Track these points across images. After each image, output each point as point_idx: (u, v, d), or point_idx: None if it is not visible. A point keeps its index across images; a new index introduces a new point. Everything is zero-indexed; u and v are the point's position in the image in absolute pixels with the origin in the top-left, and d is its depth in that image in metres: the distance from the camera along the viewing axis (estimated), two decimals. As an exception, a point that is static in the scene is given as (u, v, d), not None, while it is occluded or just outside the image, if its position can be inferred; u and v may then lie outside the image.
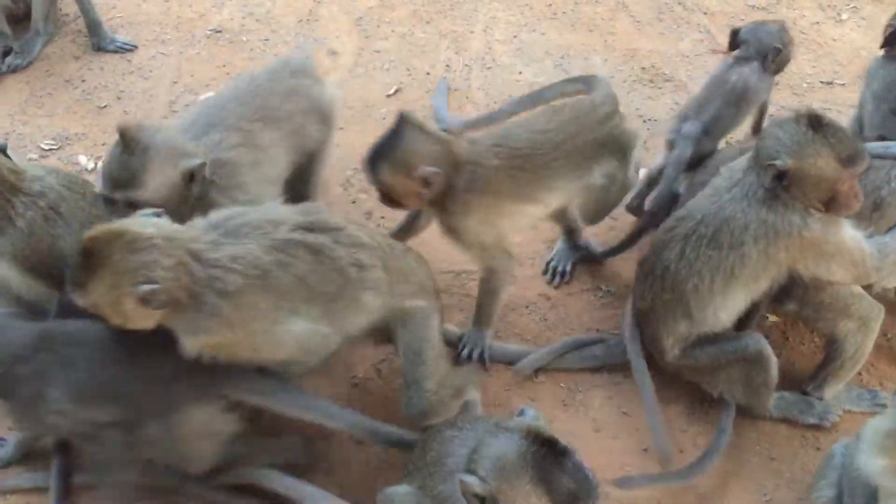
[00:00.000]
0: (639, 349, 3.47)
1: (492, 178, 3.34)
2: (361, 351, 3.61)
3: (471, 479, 2.16)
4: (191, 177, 3.07)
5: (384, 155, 3.25)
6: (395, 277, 3.03)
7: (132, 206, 2.93)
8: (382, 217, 4.18)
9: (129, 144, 2.98)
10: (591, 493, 2.16)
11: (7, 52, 4.81)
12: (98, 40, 4.96)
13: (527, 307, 3.84)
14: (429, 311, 3.12)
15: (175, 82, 4.83)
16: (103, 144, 4.38)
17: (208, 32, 5.18)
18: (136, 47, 5.01)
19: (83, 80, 4.79)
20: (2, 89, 4.72)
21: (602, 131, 3.57)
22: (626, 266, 3.95)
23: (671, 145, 3.96)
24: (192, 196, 3.11)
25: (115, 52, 4.96)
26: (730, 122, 3.98)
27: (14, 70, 4.79)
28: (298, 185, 3.71)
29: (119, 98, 4.71)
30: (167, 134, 3.15)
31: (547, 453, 2.18)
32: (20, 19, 4.96)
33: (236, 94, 3.52)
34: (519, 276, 3.95)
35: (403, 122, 3.26)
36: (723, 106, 3.94)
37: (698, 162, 3.87)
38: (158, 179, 3.01)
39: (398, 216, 4.16)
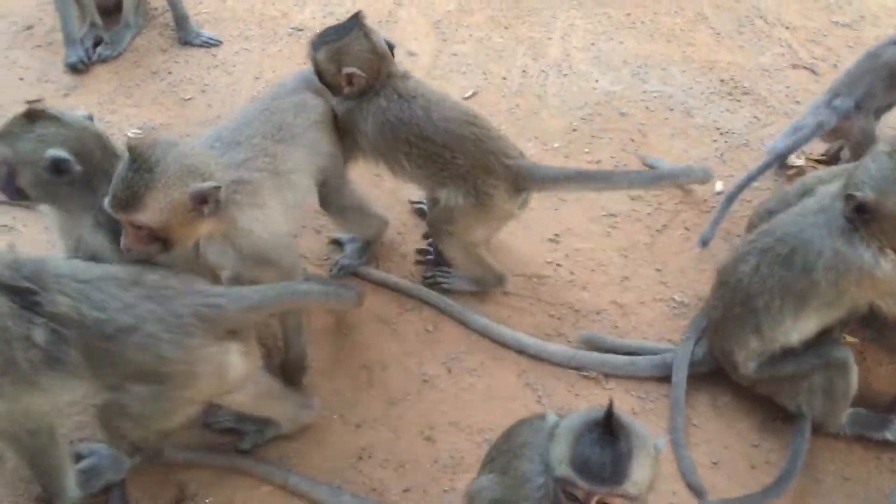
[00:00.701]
0: (685, 366, 3.45)
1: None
2: (431, 349, 3.66)
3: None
4: (202, 200, 2.80)
5: (327, 41, 3.55)
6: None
7: (139, 228, 2.79)
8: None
9: (138, 161, 2.72)
10: None
11: (98, 43, 4.96)
12: (185, 34, 5.10)
13: (598, 314, 3.83)
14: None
15: (257, 78, 4.93)
16: (187, 135, 4.48)
17: (290, 30, 5.28)
18: (220, 42, 5.13)
19: (169, 73, 4.93)
20: (92, 78, 4.86)
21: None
22: (701, 277, 3.92)
23: (817, 116, 4.06)
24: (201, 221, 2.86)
25: (201, 46, 5.09)
26: (882, 100, 3.99)
27: (104, 60, 4.94)
28: (333, 210, 3.73)
29: (203, 91, 4.83)
30: (183, 150, 2.82)
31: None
32: (111, 11, 5.11)
33: (252, 116, 3.35)
34: (590, 282, 3.95)
35: (357, 21, 3.55)
36: (875, 81, 3.95)
37: (865, 143, 3.89)
38: (162, 202, 2.73)
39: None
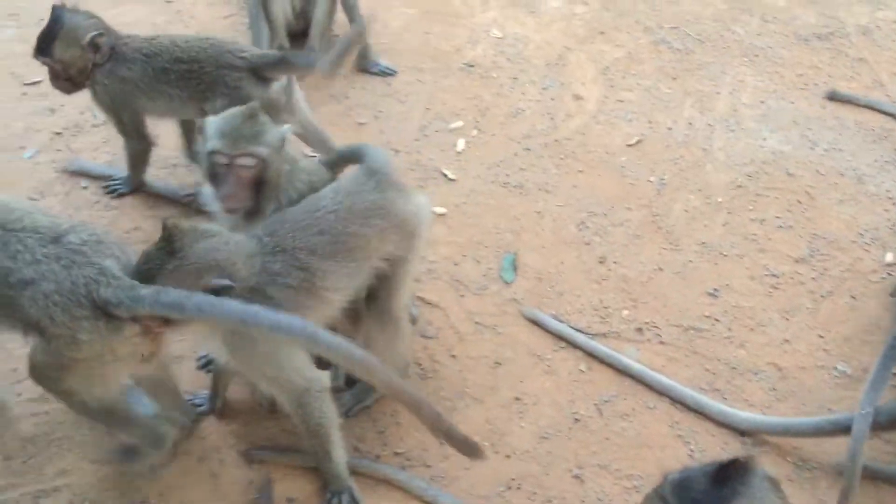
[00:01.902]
0: (865, 429, 3.31)
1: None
2: (584, 388, 3.68)
3: None
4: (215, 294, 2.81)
5: (52, 38, 3.92)
6: None
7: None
8: (616, 262, 4.23)
9: (165, 242, 2.83)
10: None
11: (284, 65, 5.28)
12: (364, 62, 5.35)
13: (755, 373, 3.76)
14: None
15: (428, 109, 5.12)
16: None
17: (462, 66, 5.46)
18: (396, 72, 5.36)
19: (346, 97, 5.18)
20: (275, 97, 5.16)
21: None
22: (866, 348, 3.80)
23: None
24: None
25: (377, 74, 5.33)
26: None
27: (287, 81, 5.24)
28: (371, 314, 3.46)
29: (376, 117, 5.05)
30: (215, 244, 2.89)
31: None
32: (298, 36, 5.42)
33: (315, 215, 3.18)
34: (748, 340, 3.89)
35: (58, 8, 3.98)
36: None
37: None
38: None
39: (633, 263, 4.22)
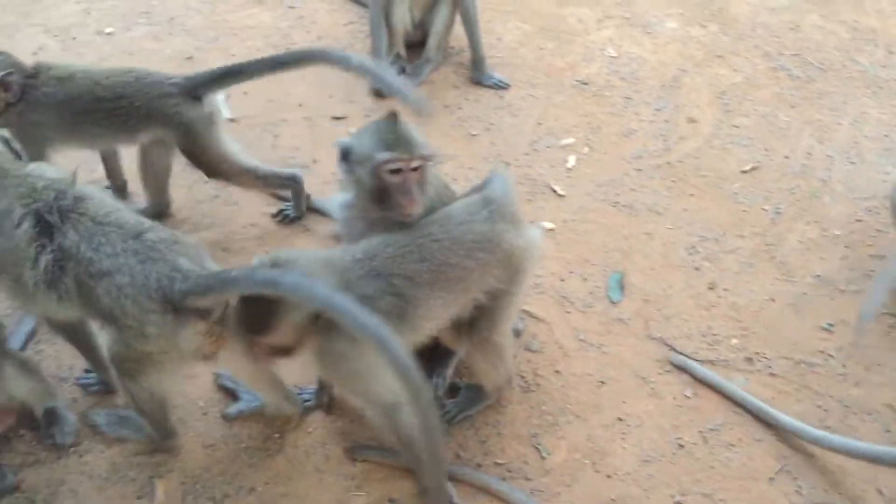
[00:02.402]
0: None
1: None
2: (689, 415, 3.63)
3: None
4: None
5: None
6: None
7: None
8: (726, 289, 4.16)
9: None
10: None
11: (400, 73, 5.37)
12: (478, 75, 5.41)
13: (869, 414, 3.65)
14: None
15: (539, 124, 5.14)
16: (469, 168, 4.75)
17: (575, 83, 5.46)
18: (509, 86, 5.39)
19: (459, 108, 5.24)
20: (390, 103, 5.23)
21: None
22: None
23: None
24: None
25: (491, 87, 5.38)
26: None
27: (402, 89, 5.34)
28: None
29: (488, 129, 5.09)
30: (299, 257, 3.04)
31: None
32: (415, 45, 5.52)
33: (414, 242, 3.17)
34: (864, 380, 3.77)
35: None
36: None
37: None
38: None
39: (744, 292, 4.15)
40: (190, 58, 5.46)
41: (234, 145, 4.21)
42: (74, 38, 5.62)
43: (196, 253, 3.12)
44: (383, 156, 3.13)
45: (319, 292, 2.77)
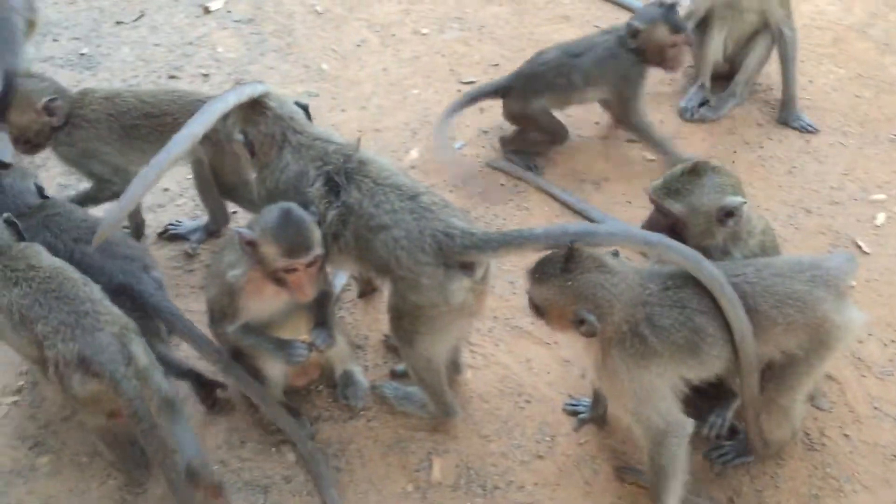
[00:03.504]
0: None
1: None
2: None
3: None
4: (580, 322, 3.07)
5: (6, 104, 3.96)
6: None
7: None
8: None
9: (566, 262, 3.06)
10: None
11: (703, 104, 5.30)
12: (785, 115, 5.22)
13: None
14: None
15: (846, 174, 4.88)
16: (766, 209, 4.57)
17: (892, 136, 5.13)
18: (817, 131, 5.15)
19: (761, 147, 5.08)
20: (688, 133, 5.17)
21: None
22: None
23: None
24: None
25: (797, 129, 5.17)
26: None
27: (701, 121, 5.25)
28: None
29: (790, 172, 4.90)
30: (599, 279, 3.06)
31: None
32: (720, 78, 5.41)
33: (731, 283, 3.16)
34: None
35: (11, 74, 4.05)
36: None
37: None
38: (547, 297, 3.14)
39: None
40: (496, 65, 5.69)
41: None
42: (393, 35, 6.03)
43: (466, 218, 3.39)
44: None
45: (639, 234, 3.13)
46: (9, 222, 3.46)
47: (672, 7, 4.67)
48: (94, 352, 3.12)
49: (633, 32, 4.68)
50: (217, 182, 4.31)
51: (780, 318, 3.13)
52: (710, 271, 3.07)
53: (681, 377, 3.19)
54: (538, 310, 3.17)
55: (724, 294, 3.06)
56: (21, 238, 3.46)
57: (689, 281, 3.15)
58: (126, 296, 3.48)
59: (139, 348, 3.25)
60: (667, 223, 3.39)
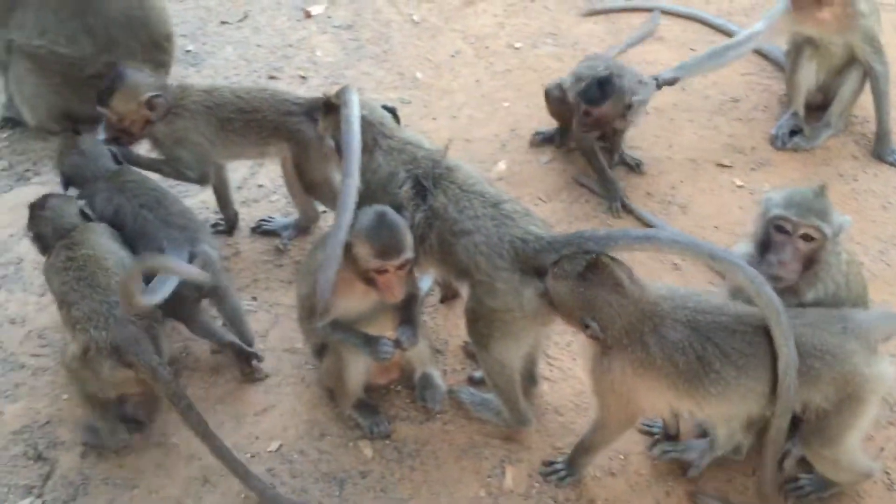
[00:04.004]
0: None
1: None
2: None
3: None
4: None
5: (109, 92, 4.13)
6: None
7: None
8: None
9: (589, 270, 3.16)
10: None
11: (796, 132, 5.23)
12: (880, 149, 5.12)
13: None
14: None
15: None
16: (857, 243, 4.50)
17: None
18: (913, 168, 5.07)
19: (855, 180, 5.00)
20: (779, 161, 5.11)
21: None
22: None
23: None
24: None
25: (892, 164, 5.07)
26: None
27: (794, 149, 5.19)
28: None
29: (885, 207, 4.78)
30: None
31: None
32: (815, 109, 5.34)
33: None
34: None
35: (118, 68, 4.24)
36: None
37: None
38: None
39: None
40: (587, 82, 5.73)
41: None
42: (487, 48, 6.13)
43: (545, 225, 3.47)
44: (777, 211, 3.29)
45: (703, 245, 3.20)
46: (83, 213, 3.87)
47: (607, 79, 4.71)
48: (128, 343, 3.39)
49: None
50: (300, 180, 4.44)
51: (804, 370, 3.10)
52: (771, 296, 3.04)
53: (668, 404, 3.24)
54: (550, 301, 3.28)
55: (779, 323, 3.03)
56: (87, 219, 3.85)
57: (722, 313, 3.17)
58: None
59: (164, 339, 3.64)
60: (806, 251, 3.29)
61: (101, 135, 4.27)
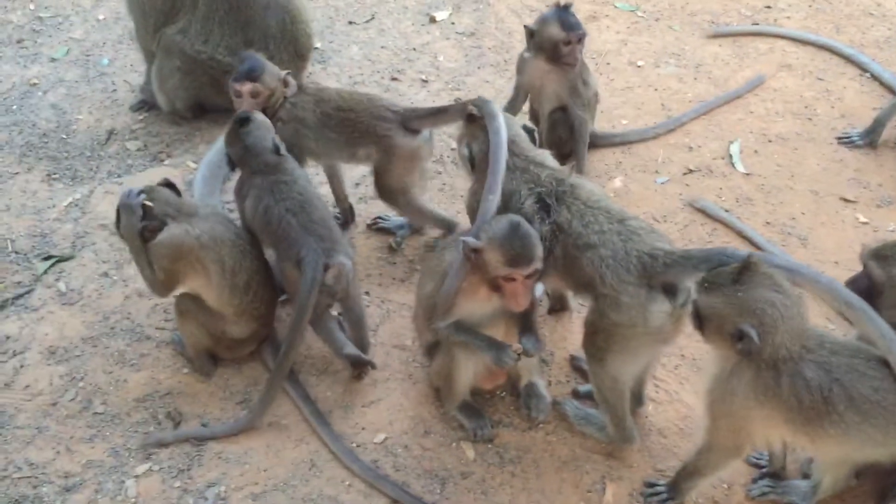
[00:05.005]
0: None
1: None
2: None
3: None
4: (739, 338, 3.06)
5: (262, 68, 4.41)
6: None
7: None
8: None
9: (740, 273, 3.07)
10: None
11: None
12: None
13: None
14: None
15: None
16: None
17: None
18: None
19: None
20: None
21: None
22: None
23: None
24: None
25: None
26: None
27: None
28: None
29: None
30: (772, 297, 3.04)
31: None
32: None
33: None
34: None
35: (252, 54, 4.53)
36: None
37: None
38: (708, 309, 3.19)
39: None
40: (707, 104, 5.67)
41: (419, 182, 4.56)
42: (608, 64, 6.12)
43: (670, 241, 3.49)
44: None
45: (842, 290, 3.10)
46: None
47: (565, 7, 4.85)
48: None
49: (530, 33, 4.92)
50: (377, 183, 4.54)
51: None
52: None
53: (781, 437, 3.21)
54: (699, 320, 3.19)
55: None
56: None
57: (857, 356, 3.10)
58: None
59: None
60: (865, 286, 3.32)
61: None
